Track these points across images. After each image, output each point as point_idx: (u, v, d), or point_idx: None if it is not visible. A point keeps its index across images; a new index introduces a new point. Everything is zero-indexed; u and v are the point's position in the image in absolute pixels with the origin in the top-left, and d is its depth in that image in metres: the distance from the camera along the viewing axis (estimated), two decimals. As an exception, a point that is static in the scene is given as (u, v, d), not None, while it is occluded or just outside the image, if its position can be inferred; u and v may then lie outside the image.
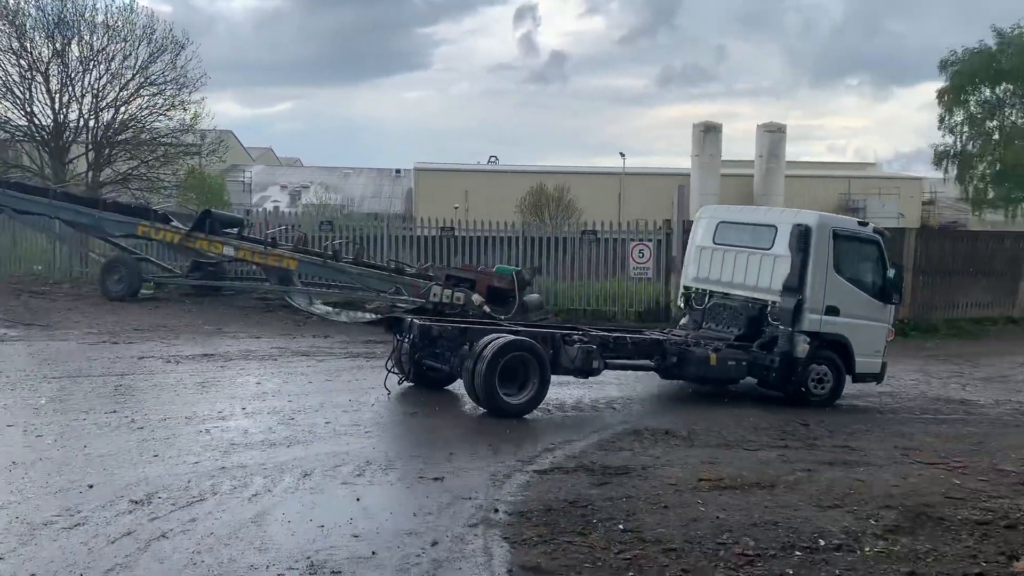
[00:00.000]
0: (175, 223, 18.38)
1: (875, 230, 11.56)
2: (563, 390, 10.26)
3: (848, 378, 11.18)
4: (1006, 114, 34.58)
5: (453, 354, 9.66)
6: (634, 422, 9.21)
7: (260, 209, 28.04)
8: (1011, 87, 33.61)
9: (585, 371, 9.93)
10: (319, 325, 15.97)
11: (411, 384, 10.16)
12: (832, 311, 10.85)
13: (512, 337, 9.41)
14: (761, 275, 11.19)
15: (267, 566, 4.85)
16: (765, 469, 7.32)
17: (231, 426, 8.13)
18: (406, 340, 10.01)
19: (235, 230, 18.14)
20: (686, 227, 18.28)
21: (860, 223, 11.77)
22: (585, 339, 10.11)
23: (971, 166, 34.93)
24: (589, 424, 9.09)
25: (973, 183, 35.15)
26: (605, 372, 10.18)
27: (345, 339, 14.34)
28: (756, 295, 11.26)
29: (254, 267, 18.24)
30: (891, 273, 11.22)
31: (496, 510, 5.96)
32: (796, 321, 10.69)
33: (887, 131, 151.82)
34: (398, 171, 61.14)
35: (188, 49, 25.09)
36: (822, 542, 5.48)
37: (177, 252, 18.79)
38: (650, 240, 18.65)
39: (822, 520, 5.91)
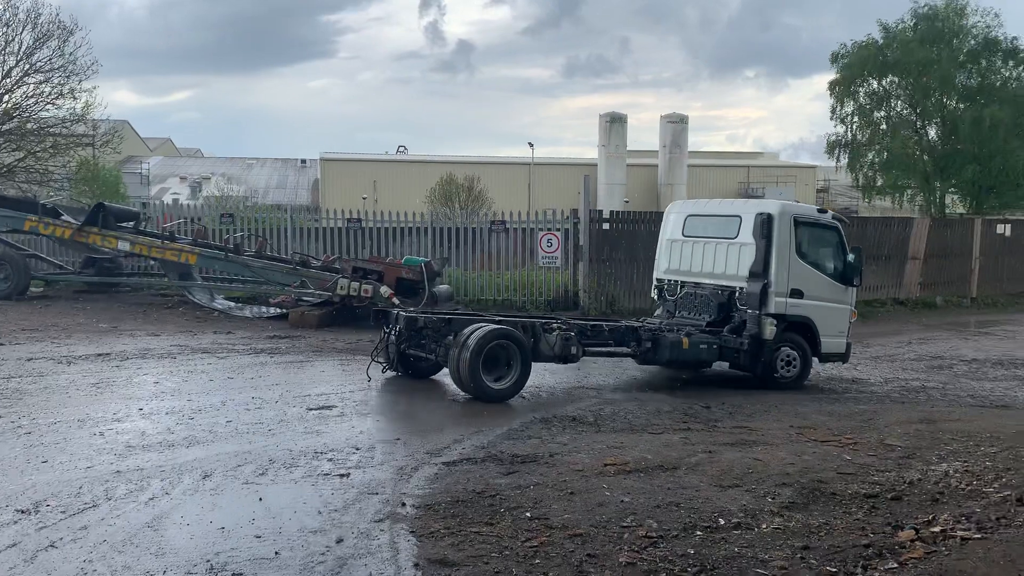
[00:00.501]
0: (66, 217, 17.58)
1: (834, 216, 12.10)
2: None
3: (815, 359, 11.67)
4: (892, 105, 36.26)
5: (438, 344, 9.95)
6: (543, 410, 9.29)
7: (158, 202, 27.02)
8: (896, 79, 35.23)
9: (564, 357, 10.29)
10: (221, 321, 15.55)
11: (396, 373, 10.45)
12: (797, 294, 11.30)
13: (494, 326, 9.79)
14: (728, 263, 11.64)
15: (164, 571, 4.70)
16: (668, 452, 7.48)
17: (127, 428, 7.84)
18: (392, 332, 10.24)
19: (131, 224, 17.51)
20: (592, 216, 18.63)
21: (819, 210, 12.35)
22: (564, 327, 10.44)
23: (861, 155, 36.48)
24: (499, 413, 9.11)
25: (863, 171, 36.71)
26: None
27: (248, 335, 14.00)
28: (725, 282, 11.66)
29: (152, 262, 17.64)
30: (851, 257, 11.72)
31: (403, 504, 5.91)
32: (763, 304, 11.12)
33: (782, 121, 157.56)
34: (304, 161, 59.88)
35: (77, 35, 24.21)
36: (722, 521, 5.63)
37: (69, 247, 18.00)
38: (558, 230, 18.83)
39: (722, 500, 6.08)
